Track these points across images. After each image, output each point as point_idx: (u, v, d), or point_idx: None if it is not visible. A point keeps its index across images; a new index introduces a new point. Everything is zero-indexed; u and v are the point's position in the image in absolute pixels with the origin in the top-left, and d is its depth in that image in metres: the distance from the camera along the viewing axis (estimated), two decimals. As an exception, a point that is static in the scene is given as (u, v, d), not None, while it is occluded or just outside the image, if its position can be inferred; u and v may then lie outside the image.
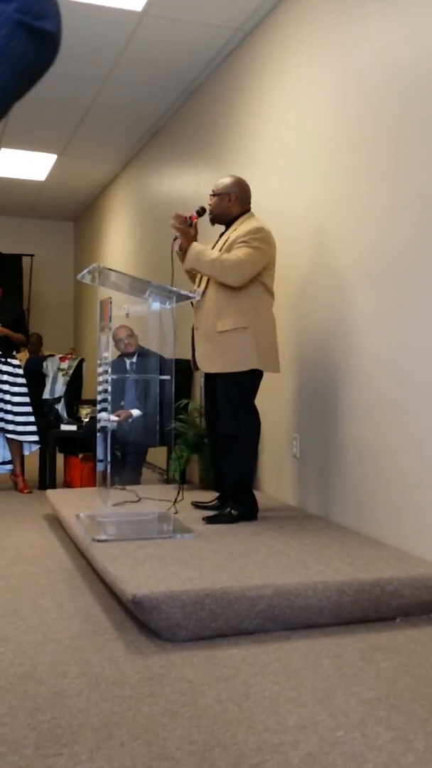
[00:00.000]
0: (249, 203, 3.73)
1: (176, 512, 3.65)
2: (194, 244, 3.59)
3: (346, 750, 1.75)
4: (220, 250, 3.59)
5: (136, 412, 4.93)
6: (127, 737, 1.80)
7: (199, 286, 3.70)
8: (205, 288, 3.61)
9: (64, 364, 6.38)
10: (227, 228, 3.72)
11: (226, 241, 3.61)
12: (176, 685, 2.09)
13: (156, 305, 3.67)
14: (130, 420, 4.90)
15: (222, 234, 3.74)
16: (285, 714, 1.93)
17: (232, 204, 3.70)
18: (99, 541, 3.13)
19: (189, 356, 3.77)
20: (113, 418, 4.12)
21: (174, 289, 3.49)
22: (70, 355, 6.69)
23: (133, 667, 2.22)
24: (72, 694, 2.03)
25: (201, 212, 3.74)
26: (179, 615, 2.40)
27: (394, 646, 2.40)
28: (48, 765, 1.67)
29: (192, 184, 5.71)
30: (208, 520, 3.53)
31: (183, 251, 3.66)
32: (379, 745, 1.77)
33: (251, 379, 3.60)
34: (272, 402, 4.17)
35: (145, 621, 2.44)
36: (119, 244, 8.24)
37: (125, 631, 2.50)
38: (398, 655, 2.32)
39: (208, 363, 3.59)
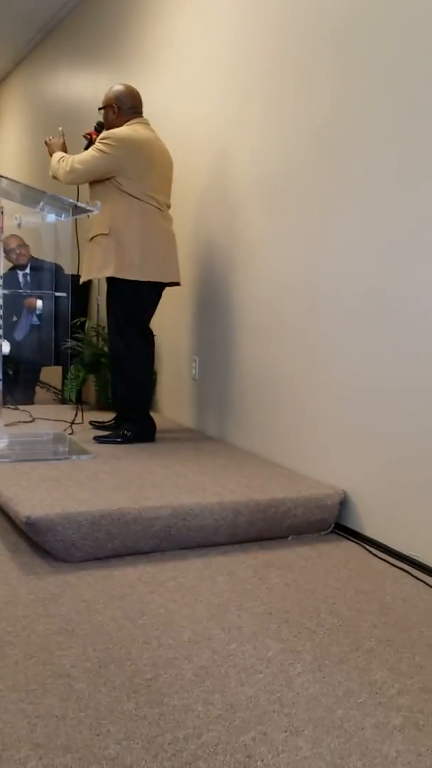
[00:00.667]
0: (138, 113, 3.59)
1: (72, 433, 3.60)
2: (55, 153, 3.60)
3: (238, 662, 1.81)
4: None
5: (5, 348, 4.71)
6: (22, 656, 1.79)
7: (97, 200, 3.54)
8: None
9: None
10: None
11: None
12: (71, 605, 2.09)
13: (51, 217, 3.50)
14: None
15: None
16: (179, 630, 1.97)
17: (117, 116, 3.56)
18: (-9, 461, 3.05)
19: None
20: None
21: (70, 200, 3.33)
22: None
23: (27, 587, 2.20)
24: (-36, 616, 1.99)
25: (99, 128, 3.60)
26: (75, 536, 2.39)
27: (285, 563, 2.48)
28: None
29: (90, 87, 5.41)
30: (99, 440, 3.50)
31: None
32: (269, 656, 1.85)
33: (135, 293, 3.46)
34: (172, 323, 4.13)
35: (40, 542, 2.42)
36: (11, 148, 7.78)
37: (19, 552, 2.47)
38: (289, 571, 2.41)
39: (83, 273, 3.57)
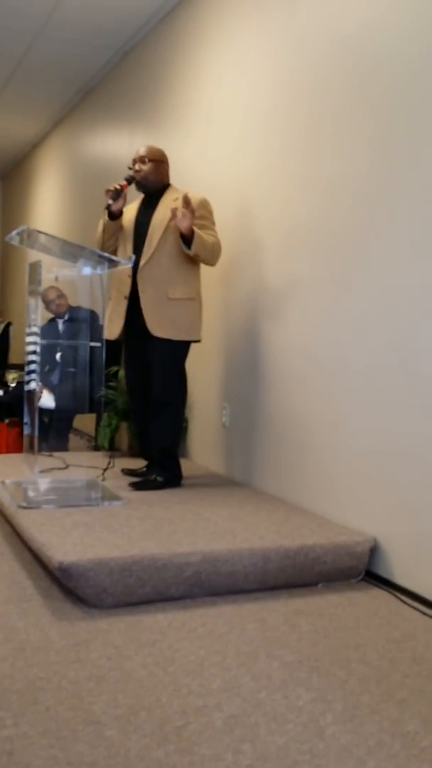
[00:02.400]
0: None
1: (104, 479, 3.64)
2: (195, 229, 3.49)
3: (268, 711, 1.80)
4: (170, 220, 3.53)
5: (49, 401, 4.80)
6: (53, 702, 1.81)
7: (133, 253, 3.64)
8: (151, 255, 3.56)
9: (-9, 328, 6.22)
10: (149, 198, 3.69)
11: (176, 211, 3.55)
12: (102, 651, 2.11)
13: (87, 270, 3.61)
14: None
15: (148, 204, 3.69)
16: (209, 677, 1.97)
17: (166, 172, 3.69)
18: (25, 507, 3.10)
19: (105, 322, 3.73)
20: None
21: (107, 255, 3.44)
22: (-4, 318, 6.52)
23: (59, 633, 2.22)
24: (-3, 661, 2.01)
25: (130, 180, 3.68)
26: (106, 582, 2.41)
27: (316, 610, 2.47)
28: (-28, 732, 1.66)
29: (125, 146, 5.60)
30: (135, 486, 3.54)
31: (113, 219, 3.63)
32: (299, 706, 1.84)
33: (186, 347, 3.67)
34: (203, 371, 4.19)
35: (71, 588, 2.44)
36: (49, 205, 8.03)
37: (51, 597, 2.50)
38: (320, 619, 2.40)
39: (159, 328, 3.56)
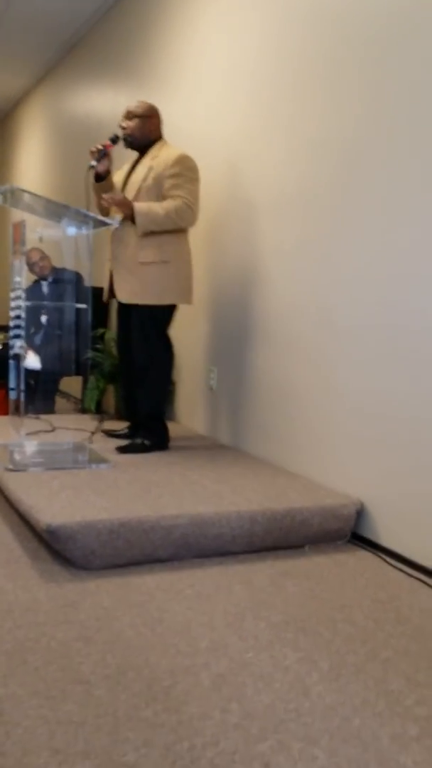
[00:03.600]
0: (162, 130, 3.64)
1: (92, 442, 3.63)
2: (136, 207, 3.40)
3: (255, 671, 1.83)
4: (143, 180, 3.47)
5: (35, 363, 4.77)
6: (41, 662, 1.82)
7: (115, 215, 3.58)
8: (124, 217, 3.50)
9: (-26, 288, 6.13)
10: (142, 154, 3.60)
11: (149, 170, 3.48)
12: (91, 612, 2.12)
13: (72, 230, 3.55)
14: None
15: (137, 161, 3.61)
16: (197, 638, 1.99)
17: (155, 127, 3.59)
18: (12, 470, 3.09)
19: (104, 285, 3.69)
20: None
21: (92, 214, 3.38)
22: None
23: (47, 594, 2.23)
24: (-15, 623, 2.02)
25: (115, 139, 3.53)
26: (94, 544, 2.41)
27: (302, 571, 2.50)
28: (-39, 692, 1.67)
29: (110, 103, 5.48)
30: (121, 450, 3.53)
31: (100, 181, 3.53)
32: (286, 665, 1.86)
33: (167, 311, 3.58)
34: (190, 334, 4.16)
35: (59, 550, 2.45)
36: (32, 164, 7.88)
37: (39, 559, 2.50)
38: (306, 580, 2.42)
39: (128, 294, 3.52)
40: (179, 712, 1.63)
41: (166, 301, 3.52)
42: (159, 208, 3.41)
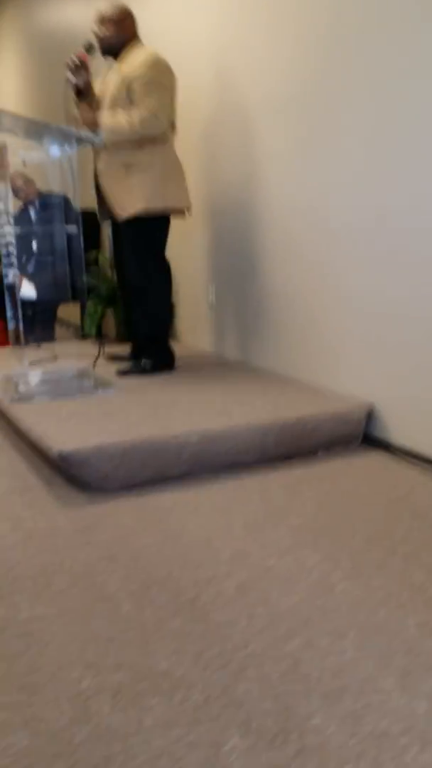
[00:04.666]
0: (137, 31, 3.43)
1: (94, 367, 3.60)
2: (102, 119, 3.28)
3: (278, 575, 1.85)
4: (116, 89, 3.31)
5: (29, 291, 4.67)
6: (66, 584, 1.84)
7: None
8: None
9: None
10: (116, 58, 3.41)
11: (122, 78, 3.31)
12: (110, 532, 2.14)
13: (55, 150, 3.41)
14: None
15: (112, 68, 3.43)
16: (218, 549, 2.01)
17: (130, 30, 3.39)
18: (18, 400, 3.08)
19: (93, 205, 3.57)
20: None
21: (75, 131, 3.24)
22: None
23: (65, 518, 2.24)
24: (6, 548, 2.04)
25: (90, 49, 3.32)
26: (108, 467, 2.42)
27: (316, 477, 2.51)
28: (-10, 617, 1.70)
29: (84, 12, 5.19)
30: (122, 373, 3.50)
31: (81, 95, 3.36)
32: (308, 567, 1.88)
33: (158, 225, 3.44)
34: (185, 251, 4.07)
35: (74, 475, 2.45)
36: (7, 82, 7.56)
37: (54, 486, 2.51)
38: (321, 484, 2.43)
39: (120, 210, 3.40)
40: (206, 621, 1.65)
41: (154, 204, 3.35)
42: (123, 119, 3.26)
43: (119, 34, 3.37)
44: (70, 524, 2.20)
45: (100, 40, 3.38)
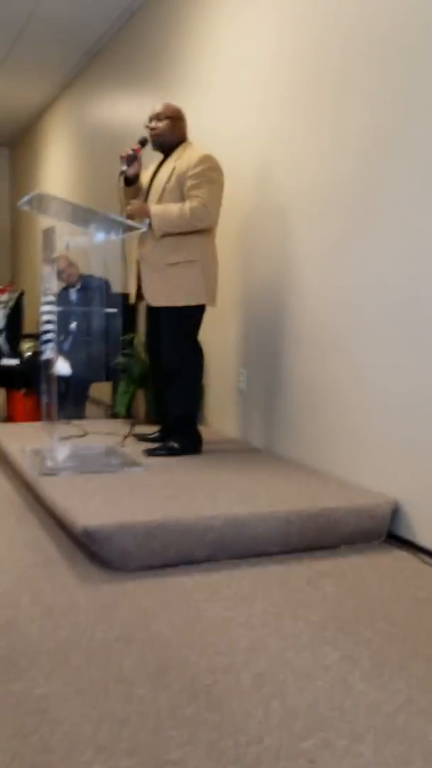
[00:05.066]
0: (187, 131, 3.66)
1: (124, 446, 3.65)
2: (152, 210, 3.44)
3: (296, 669, 1.82)
4: (167, 182, 3.50)
5: (64, 369, 4.79)
6: (83, 661, 1.83)
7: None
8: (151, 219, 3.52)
9: (4, 297, 6.21)
10: (166, 156, 3.62)
11: (172, 171, 3.51)
12: (130, 612, 2.13)
13: (101, 236, 3.58)
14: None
15: (162, 162, 3.63)
16: (236, 637, 1.99)
17: (182, 129, 3.61)
18: (46, 474, 3.12)
19: (131, 288, 3.71)
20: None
21: (121, 219, 3.40)
22: (9, 288, 6.51)
23: (85, 595, 2.24)
24: (26, 623, 2.04)
25: (144, 142, 3.58)
26: (131, 545, 2.43)
27: (339, 571, 2.48)
28: (5, 690, 1.69)
29: (135, 110, 5.52)
30: (149, 453, 3.54)
31: (131, 185, 3.55)
32: (327, 664, 1.85)
33: (196, 313, 3.58)
34: (218, 337, 4.17)
35: (96, 552, 2.46)
36: (59, 171, 7.95)
37: (76, 561, 2.52)
38: (343, 580, 2.41)
39: (156, 296, 3.54)
40: (221, 711, 1.63)
41: (194, 301, 3.51)
42: (174, 209, 3.42)
43: (173, 132, 3.58)
44: (89, 601, 2.19)
45: (154, 135, 3.59)
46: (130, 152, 3.54)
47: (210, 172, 3.46)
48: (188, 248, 3.48)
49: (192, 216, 3.40)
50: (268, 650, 1.92)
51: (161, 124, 3.57)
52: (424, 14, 2.65)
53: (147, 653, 1.88)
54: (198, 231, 3.48)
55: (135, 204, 3.51)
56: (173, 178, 3.49)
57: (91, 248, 4.47)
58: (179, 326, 3.55)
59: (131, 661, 1.84)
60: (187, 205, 3.41)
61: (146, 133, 3.61)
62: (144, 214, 3.47)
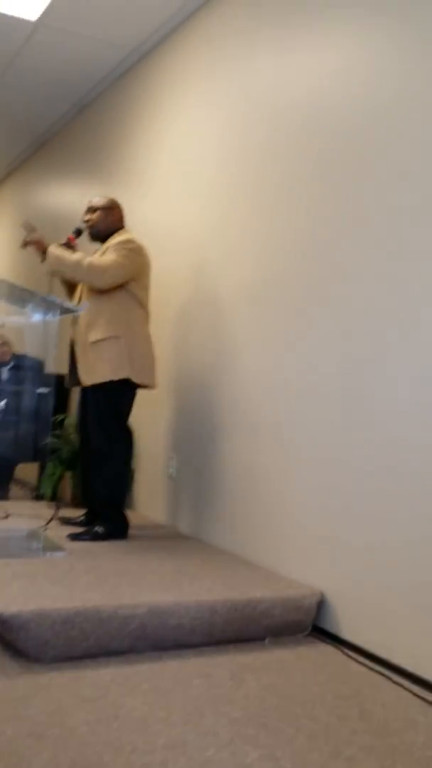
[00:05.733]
0: (124, 221, 3.77)
1: (46, 530, 3.54)
2: (51, 247, 3.55)
3: (215, 769, 1.74)
4: None
5: None
6: (-11, 762, 1.71)
7: (79, 301, 3.64)
8: (80, 300, 3.57)
9: None
10: (102, 244, 3.71)
11: (102, 254, 3.59)
12: (42, 706, 2.02)
13: (38, 316, 3.58)
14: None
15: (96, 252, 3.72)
16: (154, 734, 1.90)
17: (116, 219, 3.71)
18: (-37, 557, 2.98)
19: (65, 370, 3.70)
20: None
21: (58, 301, 3.42)
22: None
23: (-4, 688, 2.12)
24: None
25: (78, 232, 3.70)
26: (48, 634, 2.32)
27: (263, 665, 2.43)
28: None
29: (78, 199, 5.64)
30: (73, 537, 3.45)
31: (42, 253, 3.63)
32: (247, 763, 1.78)
33: (122, 392, 3.55)
34: (149, 421, 4.16)
35: (11, 640, 2.34)
36: (1, 254, 7.99)
37: (-11, 651, 2.39)
38: (267, 674, 2.35)
39: (85, 376, 3.54)
40: None
41: (117, 376, 3.48)
42: (75, 256, 3.50)
43: (107, 223, 3.69)
44: (1, 694, 2.07)
45: (89, 226, 3.70)
46: (65, 242, 3.63)
47: (124, 249, 3.52)
48: (111, 325, 3.50)
49: (88, 269, 3.45)
50: (188, 749, 1.84)
51: (94, 216, 3.69)
52: (363, 121, 2.84)
53: (59, 752, 1.78)
54: (122, 309, 3.52)
55: (35, 236, 3.60)
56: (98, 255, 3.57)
57: (27, 328, 4.46)
58: (107, 406, 3.53)
59: (41, 760, 1.73)
60: (88, 259, 3.48)
61: (83, 225, 3.71)
62: (41, 247, 3.56)
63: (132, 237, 3.60)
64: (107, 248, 3.56)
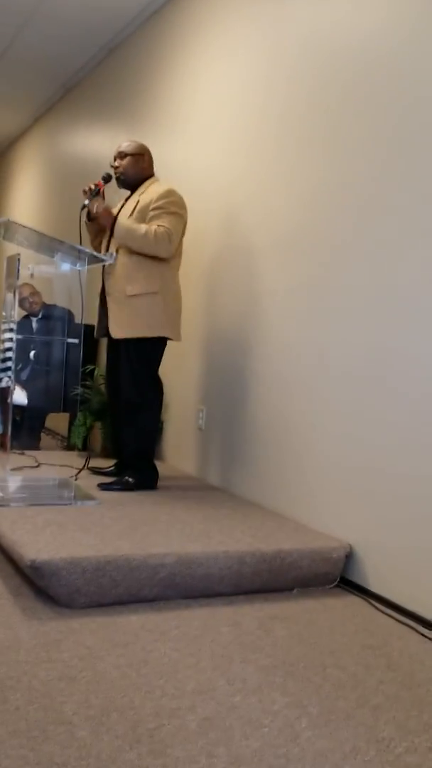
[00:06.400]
0: (153, 168, 3.69)
1: (77, 479, 3.59)
2: (120, 219, 3.47)
3: (243, 715, 1.78)
4: (130, 215, 3.52)
5: (20, 398, 4.70)
6: (23, 702, 1.76)
7: (107, 250, 3.60)
8: (114, 252, 3.53)
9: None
10: (132, 193, 3.64)
11: (136, 206, 3.53)
12: (74, 651, 2.06)
13: (66, 266, 3.56)
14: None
15: (127, 198, 3.65)
16: (183, 680, 1.94)
17: (146, 165, 3.64)
18: (-4, 504, 3.04)
19: (94, 321, 3.69)
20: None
21: (87, 250, 3.39)
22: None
23: (29, 632, 2.17)
24: (-35, 659, 1.96)
25: (107, 178, 3.61)
26: (79, 581, 2.36)
27: (291, 615, 2.45)
28: None
29: (107, 144, 5.56)
30: (104, 487, 3.49)
31: (93, 220, 3.57)
32: (274, 710, 1.81)
33: (155, 346, 3.55)
34: (179, 373, 4.16)
35: (43, 587, 2.39)
36: (27, 200, 7.95)
37: (22, 596, 2.44)
38: (295, 624, 2.38)
39: (117, 328, 3.52)
40: (164, 755, 1.58)
41: (155, 333, 3.49)
42: (142, 227, 3.43)
43: (136, 169, 3.61)
44: (33, 639, 2.12)
45: (118, 173, 3.63)
46: (93, 187, 3.55)
47: (173, 206, 3.48)
48: (149, 280, 3.47)
49: (156, 239, 3.40)
50: (216, 694, 1.87)
51: (124, 162, 3.61)
52: (386, 70, 2.73)
53: (90, 694, 1.82)
54: (159, 263, 3.47)
55: (102, 208, 3.52)
56: (136, 212, 3.51)
57: (55, 278, 4.45)
58: (139, 359, 3.53)
59: (73, 703, 1.77)
60: (153, 227, 3.41)
61: (111, 171, 3.64)
62: (109, 217, 3.49)
63: (172, 188, 3.53)
64: (146, 205, 3.47)
